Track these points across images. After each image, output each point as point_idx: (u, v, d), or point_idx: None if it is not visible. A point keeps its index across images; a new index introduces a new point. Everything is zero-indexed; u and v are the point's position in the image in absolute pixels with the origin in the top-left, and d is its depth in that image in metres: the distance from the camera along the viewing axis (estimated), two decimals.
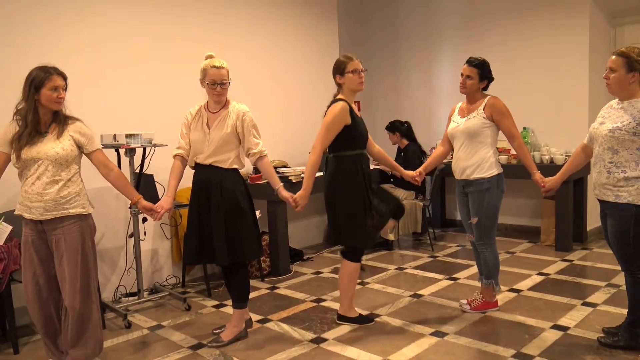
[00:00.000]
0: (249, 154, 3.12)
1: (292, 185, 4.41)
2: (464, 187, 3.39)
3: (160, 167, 3.95)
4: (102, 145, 3.62)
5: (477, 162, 3.27)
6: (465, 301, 3.59)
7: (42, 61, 2.74)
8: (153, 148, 3.79)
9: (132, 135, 3.58)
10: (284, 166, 5.01)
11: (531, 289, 3.93)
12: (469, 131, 3.28)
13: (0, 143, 2.70)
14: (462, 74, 3.32)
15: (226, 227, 3.01)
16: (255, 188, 4.51)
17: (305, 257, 5.10)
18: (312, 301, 3.90)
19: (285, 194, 3.13)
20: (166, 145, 3.78)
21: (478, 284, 3.65)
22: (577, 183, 5.12)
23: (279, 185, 3.16)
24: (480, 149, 3.27)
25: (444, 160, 3.95)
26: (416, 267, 4.67)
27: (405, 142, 5.50)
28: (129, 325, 3.53)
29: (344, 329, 3.34)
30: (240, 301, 3.21)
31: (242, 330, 3.25)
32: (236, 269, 3.16)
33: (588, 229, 5.33)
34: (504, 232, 5.80)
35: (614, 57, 2.71)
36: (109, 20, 4.04)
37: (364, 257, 3.88)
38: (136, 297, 3.93)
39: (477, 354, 2.90)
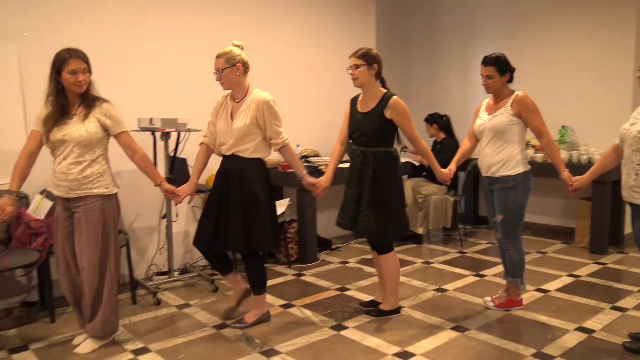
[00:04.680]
0: (271, 143, 3.13)
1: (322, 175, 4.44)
2: (490, 184, 3.36)
3: (193, 151, 4.01)
4: (139, 128, 3.78)
5: (503, 159, 3.23)
6: (489, 298, 3.57)
7: (83, 46, 2.84)
8: (187, 133, 3.89)
9: (168, 120, 3.69)
10: (316, 155, 5.05)
11: (559, 290, 3.87)
12: (496, 128, 3.24)
13: (35, 122, 2.82)
14: (482, 76, 3.28)
15: (243, 217, 3.04)
16: (287, 176, 4.58)
17: (333, 247, 5.15)
18: (336, 289, 3.96)
19: (310, 179, 3.24)
20: (200, 130, 3.86)
21: (504, 281, 3.62)
22: (616, 184, 4.96)
23: (303, 172, 3.23)
24: (507, 146, 3.23)
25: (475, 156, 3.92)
26: (443, 262, 4.66)
27: (442, 135, 5.46)
28: (158, 303, 3.67)
29: (365, 318, 3.38)
30: (258, 287, 3.27)
31: (265, 313, 3.32)
32: (251, 260, 3.20)
33: (625, 232, 5.18)
34: (537, 231, 5.69)
35: None
36: (148, 7, 4.15)
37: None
38: (167, 276, 4.07)
39: (496, 351, 2.89)
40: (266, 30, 4.92)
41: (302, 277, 4.27)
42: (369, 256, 4.86)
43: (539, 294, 3.78)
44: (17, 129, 3.50)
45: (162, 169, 3.87)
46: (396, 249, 5.01)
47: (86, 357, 2.87)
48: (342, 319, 3.38)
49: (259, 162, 3.12)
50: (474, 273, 4.31)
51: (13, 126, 3.51)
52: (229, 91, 3.17)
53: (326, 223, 5.33)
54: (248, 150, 3.06)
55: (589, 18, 5.29)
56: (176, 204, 3.22)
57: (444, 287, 3.98)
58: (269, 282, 4.02)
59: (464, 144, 3.59)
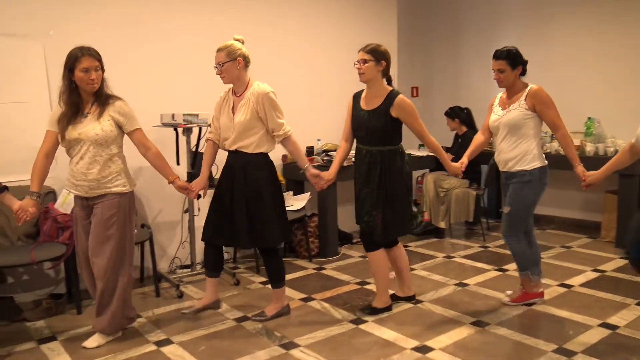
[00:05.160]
0: (274, 135, 3.10)
1: (344, 169, 4.42)
2: (507, 179, 3.33)
3: None
4: (162, 123, 3.84)
5: (520, 154, 3.20)
6: (510, 292, 3.53)
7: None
8: (208, 128, 3.93)
9: (189, 115, 3.74)
10: (337, 150, 5.04)
11: (583, 285, 3.80)
12: (511, 124, 3.20)
13: (50, 123, 2.85)
14: (493, 70, 3.23)
15: (248, 213, 3.06)
16: None
17: (354, 241, 5.16)
18: (356, 283, 3.97)
19: (314, 171, 3.22)
20: None
21: None
22: None
23: (307, 165, 3.20)
24: (523, 141, 3.19)
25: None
26: (465, 257, 4.62)
27: (464, 128, 5.41)
28: (181, 295, 3.74)
29: (385, 312, 3.38)
30: (277, 282, 3.29)
31: (285, 307, 3.36)
32: (267, 255, 3.23)
33: None
34: (562, 225, 5.60)
35: None
36: (167, 4, 4.20)
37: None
38: (189, 270, 4.14)
39: (516, 346, 2.87)
40: (287, 25, 4.93)
41: (323, 271, 4.29)
42: None
43: (562, 289, 3.72)
44: (43, 127, 3.56)
45: (184, 164, 3.93)
46: (418, 242, 5.07)
47: (111, 348, 2.95)
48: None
49: (263, 156, 3.12)
50: (496, 268, 4.27)
51: (39, 124, 3.56)
52: (231, 85, 3.16)
53: (347, 217, 5.33)
54: (251, 145, 3.05)
55: (613, 7, 5.16)
56: (191, 199, 3.22)
57: (465, 281, 3.96)
58: (290, 276, 4.07)
59: (477, 137, 3.55)
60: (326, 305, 3.53)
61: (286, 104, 4.16)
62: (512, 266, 4.28)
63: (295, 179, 4.92)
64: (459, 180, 5.18)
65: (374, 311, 3.36)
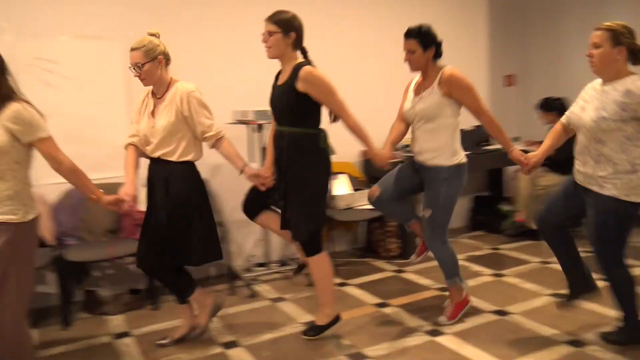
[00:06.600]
0: (205, 138, 2.74)
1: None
2: (419, 171, 2.94)
3: None
4: (236, 120, 3.79)
5: (436, 147, 2.83)
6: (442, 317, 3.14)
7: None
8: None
9: (260, 112, 3.65)
10: None
11: None
12: (425, 113, 2.81)
13: None
14: (404, 50, 2.85)
15: (173, 229, 2.72)
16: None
17: None
18: (437, 289, 3.69)
19: (252, 171, 2.81)
20: None
21: None
22: None
23: (243, 165, 2.79)
24: (440, 132, 2.82)
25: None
26: None
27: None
28: (252, 295, 3.68)
29: (466, 324, 3.08)
30: (183, 295, 2.96)
31: (212, 305, 3.03)
32: (178, 271, 2.92)
33: None
34: None
35: (598, 32, 2.49)
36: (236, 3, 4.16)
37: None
38: (264, 268, 4.08)
39: None
40: (366, 19, 4.69)
41: (402, 274, 4.04)
42: (479, 253, 4.51)
43: None
44: (122, 126, 3.65)
45: (259, 160, 3.86)
46: (511, 245, 4.64)
47: (178, 348, 2.93)
48: (440, 323, 3.11)
49: (188, 166, 2.76)
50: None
51: (119, 123, 3.68)
52: (150, 87, 2.80)
53: None
54: (176, 152, 2.71)
55: None
56: (125, 211, 2.68)
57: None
58: (366, 279, 3.95)
59: (396, 127, 3.07)
60: (402, 312, 3.30)
61: (367, 98, 3.93)
62: None
63: (376, 175, 4.69)
64: (559, 176, 4.67)
65: (319, 330, 2.97)
